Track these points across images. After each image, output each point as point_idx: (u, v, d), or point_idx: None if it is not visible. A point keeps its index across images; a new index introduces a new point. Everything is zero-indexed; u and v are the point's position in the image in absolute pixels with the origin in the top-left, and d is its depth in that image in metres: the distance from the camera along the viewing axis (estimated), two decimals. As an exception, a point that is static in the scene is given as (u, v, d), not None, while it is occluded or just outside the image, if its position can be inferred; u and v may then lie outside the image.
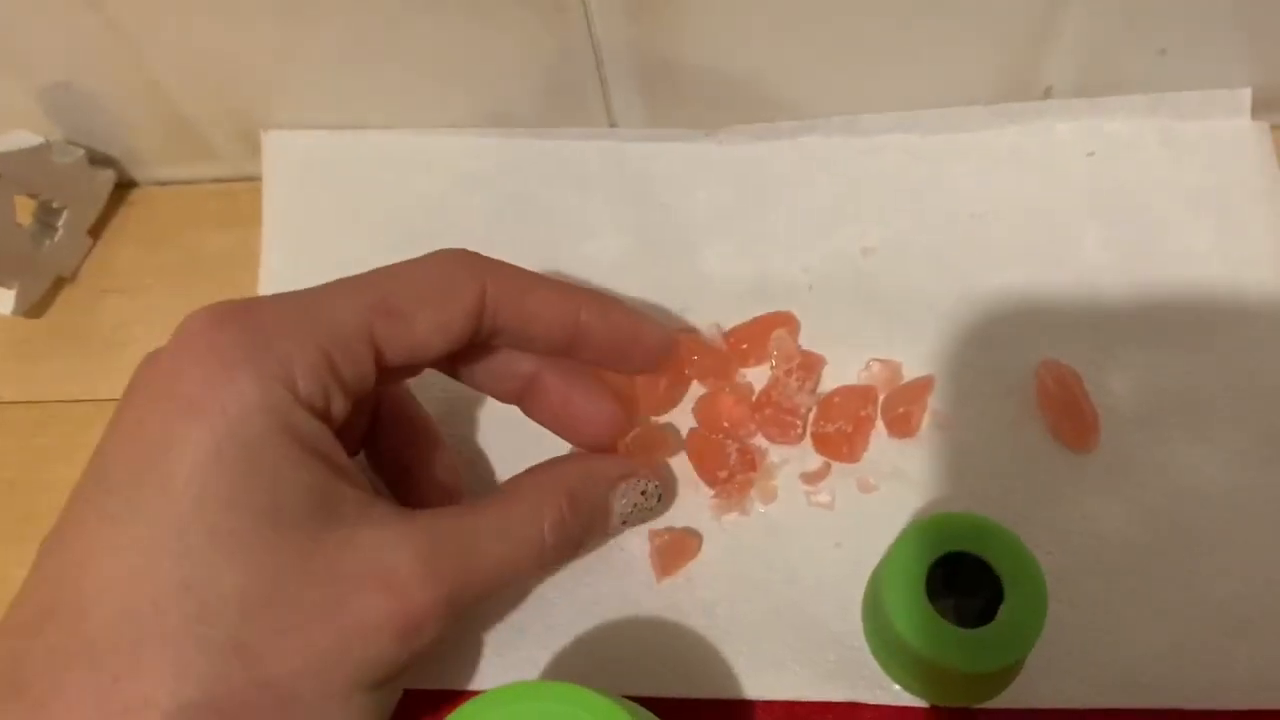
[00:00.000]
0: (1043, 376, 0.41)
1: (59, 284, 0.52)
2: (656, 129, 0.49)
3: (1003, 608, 0.33)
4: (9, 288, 0.49)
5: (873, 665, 0.37)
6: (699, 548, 0.40)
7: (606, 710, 0.30)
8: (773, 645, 0.38)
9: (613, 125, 0.50)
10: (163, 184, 0.55)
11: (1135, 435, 0.40)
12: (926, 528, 0.34)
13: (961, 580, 0.35)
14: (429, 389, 0.42)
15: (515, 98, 0.49)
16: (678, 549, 0.40)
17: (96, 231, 0.53)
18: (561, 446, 0.41)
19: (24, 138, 0.48)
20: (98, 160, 0.53)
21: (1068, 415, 0.40)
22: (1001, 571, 0.33)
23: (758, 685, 0.37)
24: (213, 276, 0.51)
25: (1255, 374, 0.41)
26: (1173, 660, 0.36)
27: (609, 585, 0.40)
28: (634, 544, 0.40)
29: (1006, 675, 0.35)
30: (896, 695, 0.37)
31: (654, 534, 0.40)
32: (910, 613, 0.33)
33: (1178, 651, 0.36)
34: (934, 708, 0.36)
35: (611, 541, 0.40)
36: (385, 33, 0.46)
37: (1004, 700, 0.36)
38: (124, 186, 0.55)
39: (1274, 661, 0.36)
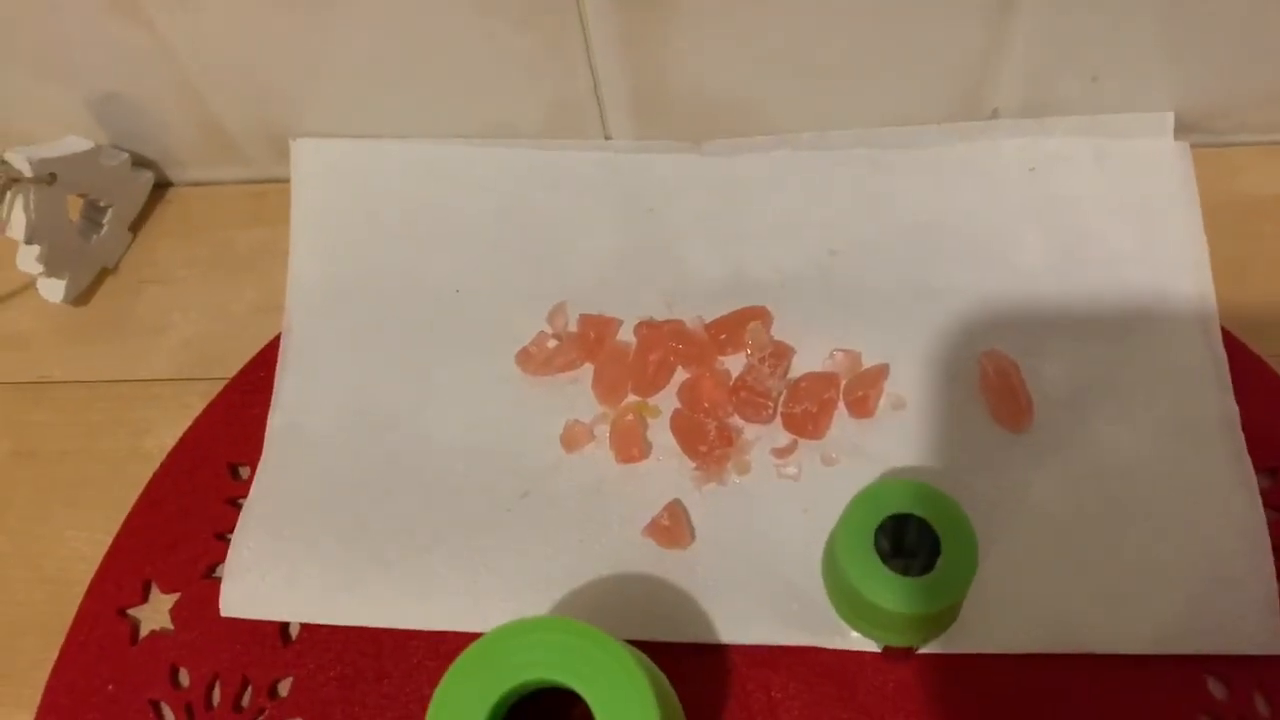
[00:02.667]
0: (984, 365, 0.46)
1: (103, 275, 0.56)
2: (646, 142, 0.54)
3: (940, 559, 0.37)
4: (60, 278, 0.53)
5: (831, 614, 0.41)
6: (691, 539, 0.44)
7: (607, 642, 0.34)
8: (745, 597, 0.42)
9: (607, 138, 0.54)
10: (197, 185, 0.59)
11: (1064, 416, 0.45)
12: (874, 493, 0.39)
13: (906, 539, 0.39)
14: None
15: (521, 113, 0.53)
16: (673, 538, 0.44)
17: (137, 227, 0.58)
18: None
19: (77, 143, 0.52)
20: (139, 162, 0.57)
21: (1006, 399, 0.45)
22: (939, 529, 0.38)
23: (731, 631, 0.42)
24: (242, 269, 0.56)
25: (1169, 363, 0.45)
26: (1091, 611, 0.41)
27: (602, 544, 0.44)
28: (629, 517, 0.44)
29: (945, 618, 0.39)
30: (851, 641, 0.41)
31: (656, 519, 0.44)
32: (861, 564, 0.38)
33: (1095, 604, 0.41)
34: (884, 649, 0.41)
35: (610, 513, 0.45)
36: (405, 52, 0.50)
37: (942, 645, 0.41)
38: (162, 186, 0.59)
39: (1179, 613, 0.40)
